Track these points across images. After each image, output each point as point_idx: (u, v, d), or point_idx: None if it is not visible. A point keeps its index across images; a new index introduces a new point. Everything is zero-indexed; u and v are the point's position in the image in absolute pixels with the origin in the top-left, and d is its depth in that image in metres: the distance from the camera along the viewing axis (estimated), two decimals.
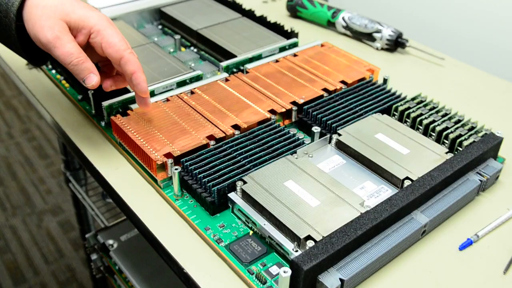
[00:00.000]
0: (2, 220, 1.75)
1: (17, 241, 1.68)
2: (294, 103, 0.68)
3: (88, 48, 0.59)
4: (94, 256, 0.91)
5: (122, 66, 0.58)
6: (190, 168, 0.57)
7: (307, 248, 0.47)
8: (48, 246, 1.67)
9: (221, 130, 0.62)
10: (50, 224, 1.74)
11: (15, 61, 0.84)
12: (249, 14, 0.91)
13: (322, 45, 0.82)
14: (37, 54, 0.61)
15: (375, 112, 0.67)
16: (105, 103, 0.66)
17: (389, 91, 0.71)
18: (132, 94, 0.68)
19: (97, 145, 0.67)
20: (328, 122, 0.64)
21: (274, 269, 0.50)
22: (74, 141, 0.68)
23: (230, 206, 0.56)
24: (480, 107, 0.76)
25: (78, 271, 1.58)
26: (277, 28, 0.86)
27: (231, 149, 0.60)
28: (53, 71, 0.79)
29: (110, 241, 0.87)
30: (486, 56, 1.04)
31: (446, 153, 0.60)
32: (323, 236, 0.48)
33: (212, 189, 0.54)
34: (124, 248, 0.86)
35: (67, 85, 0.76)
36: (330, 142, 0.63)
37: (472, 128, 0.64)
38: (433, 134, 0.63)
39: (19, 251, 1.64)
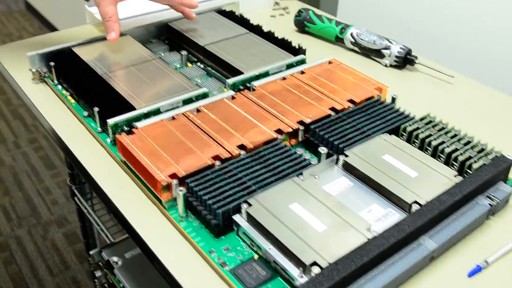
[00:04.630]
0: (7, 231, 1.75)
1: (22, 252, 1.67)
2: (301, 122, 0.67)
3: None
4: (98, 273, 0.91)
5: None
6: (195, 189, 0.56)
7: (313, 274, 0.46)
8: (53, 257, 1.66)
9: (226, 150, 0.61)
10: (55, 235, 1.74)
11: (21, 75, 0.83)
12: (256, 30, 0.90)
13: (329, 62, 0.81)
14: None
15: (383, 133, 0.66)
16: (111, 121, 0.66)
17: (397, 110, 0.70)
18: (137, 112, 0.68)
19: (101, 162, 0.67)
20: (335, 143, 0.63)
21: None
22: (79, 158, 0.67)
23: (235, 228, 0.55)
24: (490, 128, 0.75)
25: (83, 284, 1.57)
26: (284, 44, 0.86)
27: (237, 170, 0.59)
28: (59, 87, 0.79)
29: (115, 258, 0.86)
30: (496, 73, 1.03)
31: (455, 176, 0.59)
32: (329, 263, 0.48)
33: (217, 211, 0.54)
34: (128, 266, 0.85)
35: (73, 101, 0.76)
36: (337, 163, 0.62)
37: (482, 150, 0.63)
38: (442, 156, 0.62)
39: (24, 263, 1.64)
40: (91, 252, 0.88)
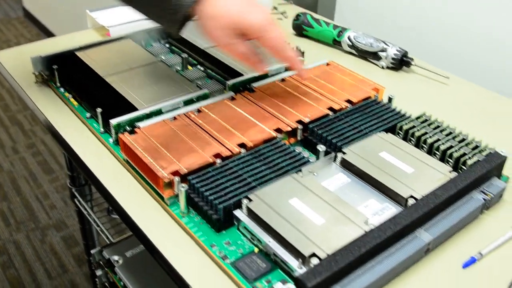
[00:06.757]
0: (6, 235, 1.76)
1: (21, 256, 1.68)
2: (299, 121, 0.69)
3: None
4: (99, 272, 0.92)
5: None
6: (196, 185, 0.58)
7: (312, 265, 0.48)
8: (51, 261, 1.67)
9: (227, 148, 0.63)
10: (53, 239, 1.75)
11: (24, 79, 0.85)
12: None
13: (327, 64, 0.83)
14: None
15: (380, 131, 0.67)
16: (113, 121, 0.67)
17: (394, 110, 0.72)
18: (139, 112, 0.69)
19: (104, 162, 0.68)
20: (333, 141, 0.65)
21: (278, 286, 0.50)
22: (82, 158, 0.69)
23: (236, 223, 0.57)
24: (484, 126, 0.77)
25: (81, 287, 1.58)
26: None
27: (237, 167, 0.60)
28: (62, 89, 0.80)
29: (116, 257, 0.87)
30: (490, 74, 1.05)
31: (450, 172, 0.60)
32: (327, 254, 0.49)
33: (218, 206, 0.55)
34: (129, 264, 0.86)
35: (75, 103, 0.77)
36: (335, 160, 0.64)
37: (476, 147, 0.64)
38: (437, 153, 0.64)
39: (22, 267, 1.65)
40: (92, 251, 0.90)
